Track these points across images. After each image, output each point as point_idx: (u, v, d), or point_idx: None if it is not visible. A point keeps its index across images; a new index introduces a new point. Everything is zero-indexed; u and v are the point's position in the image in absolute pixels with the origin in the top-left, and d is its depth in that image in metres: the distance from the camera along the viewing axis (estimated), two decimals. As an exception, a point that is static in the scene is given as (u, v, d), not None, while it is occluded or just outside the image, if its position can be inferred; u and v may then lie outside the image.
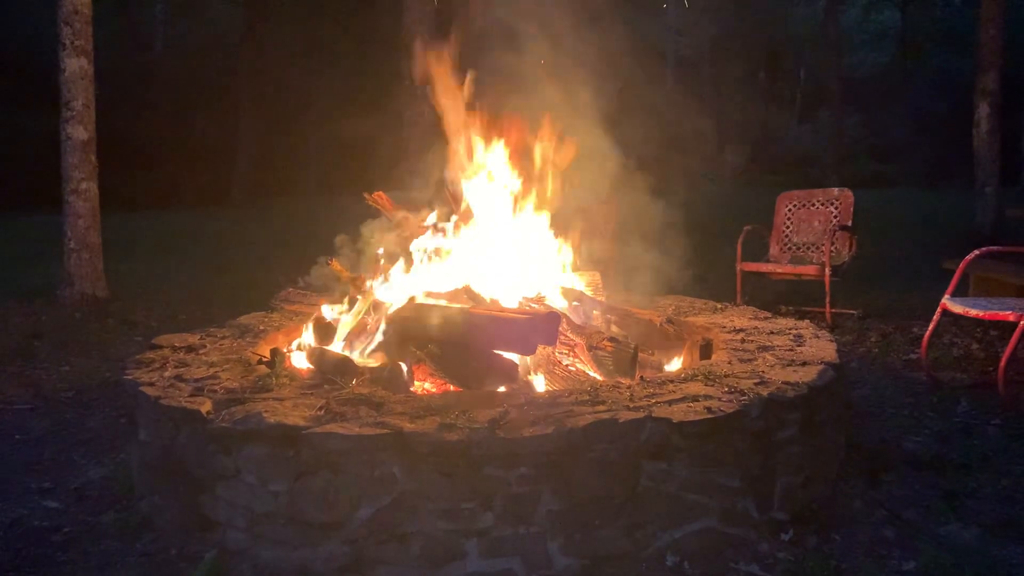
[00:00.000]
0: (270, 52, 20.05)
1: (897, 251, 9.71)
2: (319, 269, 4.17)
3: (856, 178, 15.83)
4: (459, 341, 3.11)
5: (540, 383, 3.22)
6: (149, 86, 20.96)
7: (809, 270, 6.25)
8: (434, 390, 3.14)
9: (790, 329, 3.78)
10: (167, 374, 3.13)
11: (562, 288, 3.92)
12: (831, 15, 19.24)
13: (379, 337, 3.39)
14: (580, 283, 4.10)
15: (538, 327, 3.00)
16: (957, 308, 4.27)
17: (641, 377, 3.08)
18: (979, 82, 9.80)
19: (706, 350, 3.64)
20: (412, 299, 3.44)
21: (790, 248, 6.79)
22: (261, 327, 4.02)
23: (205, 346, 3.63)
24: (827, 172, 17.86)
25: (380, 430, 2.46)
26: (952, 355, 5.09)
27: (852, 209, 6.53)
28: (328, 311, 3.76)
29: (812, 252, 6.64)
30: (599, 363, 3.26)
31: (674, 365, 3.73)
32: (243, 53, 20.11)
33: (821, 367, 3.04)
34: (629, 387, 2.87)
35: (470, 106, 4.01)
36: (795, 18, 27.70)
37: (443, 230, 4.06)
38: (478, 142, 4.08)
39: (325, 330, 3.65)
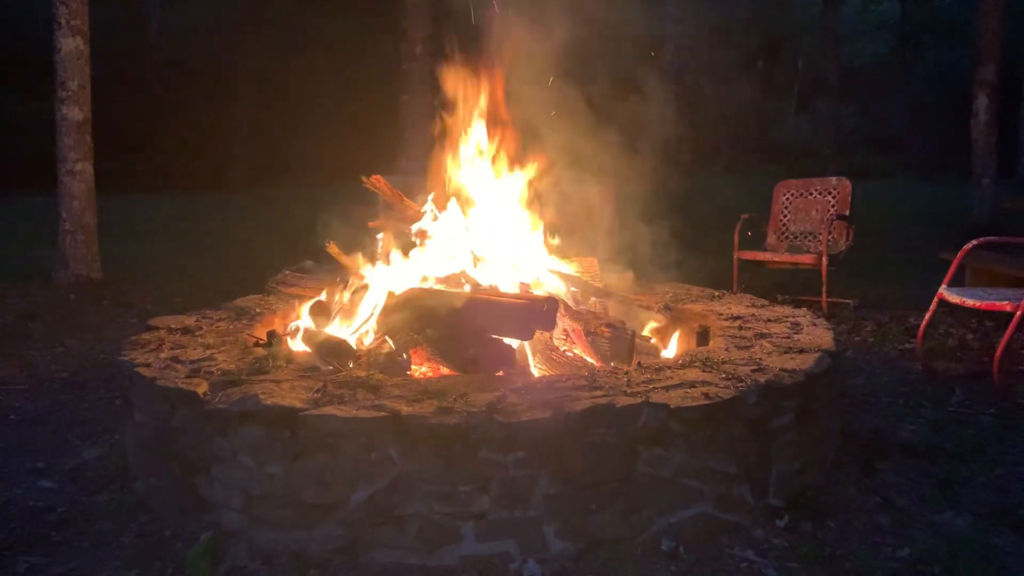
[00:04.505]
0: (267, 36, 19.92)
1: (894, 241, 9.72)
2: (316, 252, 4.16)
3: (853, 169, 15.78)
4: (457, 325, 3.10)
5: (537, 368, 3.21)
6: (145, 68, 20.83)
7: (806, 259, 6.26)
8: (431, 374, 3.13)
9: (787, 317, 3.78)
10: (163, 355, 3.12)
11: (559, 274, 3.91)
12: (830, 5, 19.13)
13: (377, 320, 3.38)
14: (577, 269, 4.10)
15: (536, 312, 3.00)
16: (953, 298, 4.28)
17: (638, 363, 3.08)
18: (978, 74, 9.79)
19: (703, 337, 3.64)
20: (409, 283, 3.43)
21: (787, 237, 6.79)
22: (258, 310, 4.01)
23: (201, 328, 3.62)
24: (825, 162, 17.82)
25: (377, 413, 2.45)
26: (947, 345, 5.11)
27: (850, 198, 6.53)
28: (326, 296, 3.75)
29: (809, 241, 6.64)
30: (597, 348, 3.26)
31: (671, 351, 3.74)
32: (240, 36, 19.98)
33: (818, 355, 3.05)
34: (627, 372, 2.87)
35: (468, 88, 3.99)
36: (794, 7, 27.59)
37: (440, 214, 4.04)
38: (476, 128, 4.06)
39: (322, 313, 3.64)
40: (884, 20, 28.48)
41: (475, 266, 3.69)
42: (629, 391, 2.63)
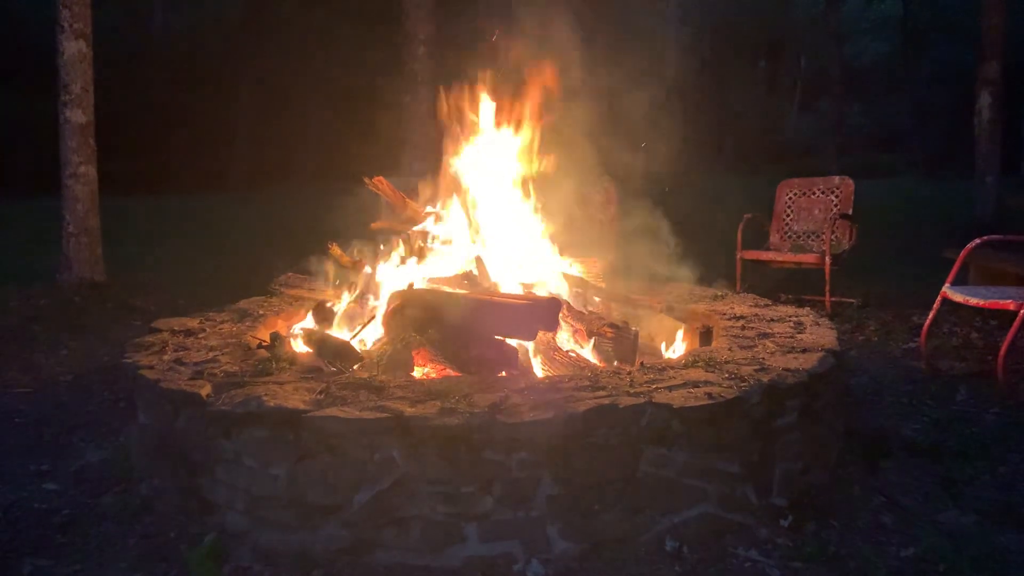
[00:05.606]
0: (269, 37, 19.95)
1: (897, 240, 9.69)
2: (318, 254, 4.16)
3: (856, 167, 15.81)
4: (460, 326, 3.10)
5: (540, 368, 3.21)
6: (148, 70, 20.85)
7: (809, 258, 6.25)
8: (435, 375, 3.13)
9: (790, 316, 3.78)
10: (166, 357, 3.13)
11: (563, 274, 3.91)
12: (832, 3, 19.10)
13: (380, 322, 3.39)
14: (580, 269, 4.10)
15: (539, 313, 3.00)
16: (957, 297, 4.27)
17: (641, 363, 3.08)
18: (981, 71, 9.75)
19: (706, 337, 3.64)
20: (412, 284, 3.43)
21: (790, 236, 6.78)
22: (260, 311, 4.01)
23: (204, 330, 3.62)
24: (828, 161, 17.80)
25: (380, 414, 2.46)
26: (951, 344, 5.10)
27: (852, 197, 6.52)
28: (329, 298, 3.75)
29: (812, 240, 6.63)
30: (600, 349, 3.27)
31: (674, 351, 3.74)
32: (242, 37, 20.01)
33: (821, 354, 3.04)
34: (629, 373, 2.87)
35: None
36: (796, 6, 27.55)
37: (443, 215, 4.04)
38: (479, 127, 4.06)
39: (325, 314, 3.64)
40: (886, 18, 28.42)
41: (478, 267, 3.69)
42: (632, 391, 2.62)
